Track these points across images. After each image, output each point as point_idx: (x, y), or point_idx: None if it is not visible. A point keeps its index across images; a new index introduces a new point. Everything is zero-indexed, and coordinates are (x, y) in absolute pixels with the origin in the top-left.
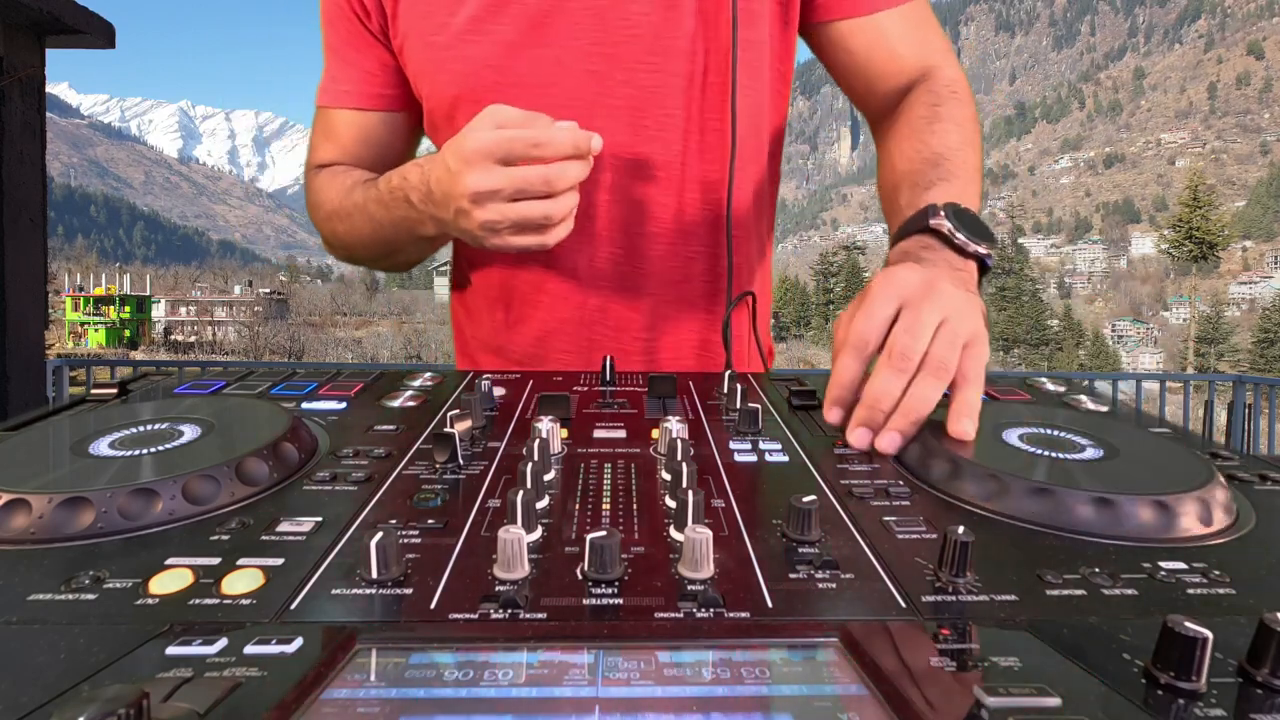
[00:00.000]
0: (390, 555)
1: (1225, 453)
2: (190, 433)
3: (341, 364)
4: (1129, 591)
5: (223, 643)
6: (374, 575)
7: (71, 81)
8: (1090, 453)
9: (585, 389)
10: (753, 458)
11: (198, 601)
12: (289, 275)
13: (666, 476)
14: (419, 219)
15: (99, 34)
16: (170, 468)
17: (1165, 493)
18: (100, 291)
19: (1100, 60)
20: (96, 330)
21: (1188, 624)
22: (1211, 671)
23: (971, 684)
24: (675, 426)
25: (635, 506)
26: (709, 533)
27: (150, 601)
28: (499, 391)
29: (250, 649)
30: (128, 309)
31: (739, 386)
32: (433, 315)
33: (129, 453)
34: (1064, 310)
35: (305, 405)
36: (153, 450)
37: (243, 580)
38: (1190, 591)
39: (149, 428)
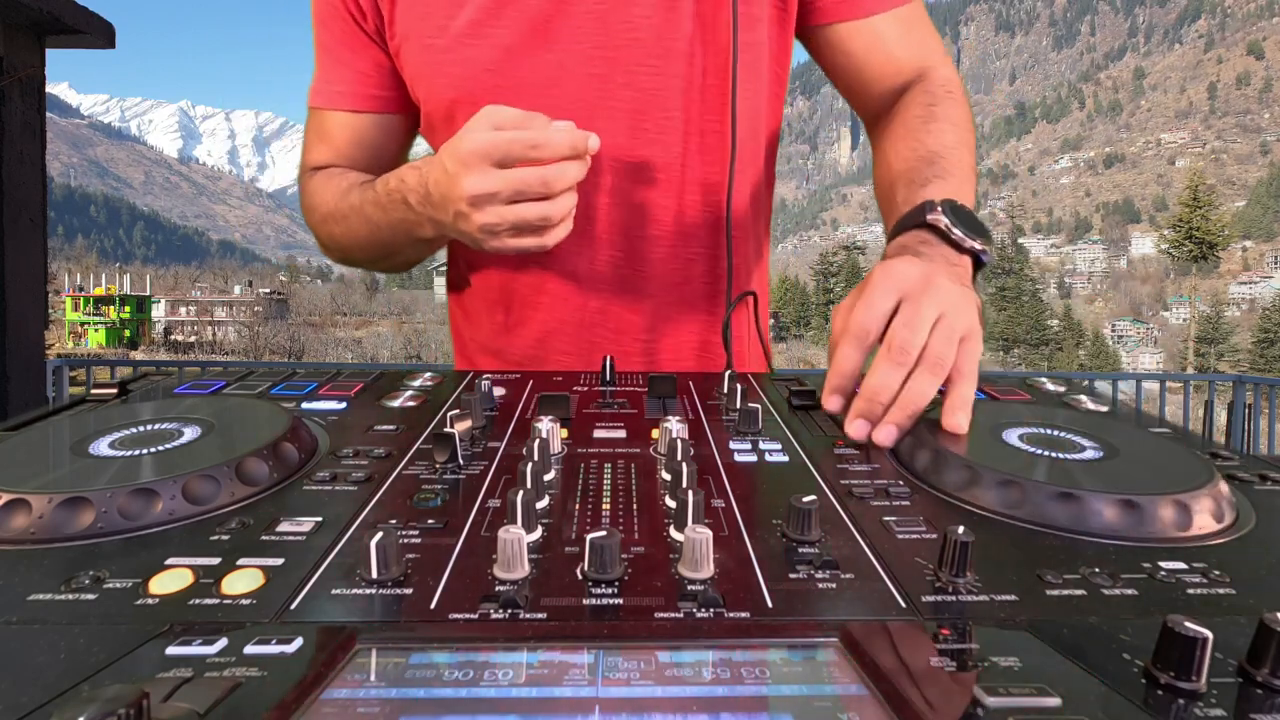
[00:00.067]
0: (390, 555)
1: (1225, 453)
2: (190, 433)
3: (341, 364)
4: (1129, 591)
5: (223, 643)
6: (374, 575)
7: (71, 81)
8: (1090, 453)
9: (585, 389)
10: (753, 458)
11: (198, 601)
12: (289, 275)
13: (666, 476)
14: (417, 221)
15: (99, 34)
16: (170, 468)
17: (1165, 493)
18: (100, 291)
19: (1100, 60)
20: (96, 330)
21: (1188, 624)
22: (1211, 671)
23: (971, 684)
24: (675, 426)
25: (635, 506)
26: (709, 533)
27: (150, 601)
28: (499, 391)
29: (250, 649)
30: (128, 309)
31: (739, 386)
32: (433, 315)
33: (129, 453)
34: (1064, 310)
35: (305, 405)
36: (153, 450)
37: (243, 580)
38: (1190, 591)
39: (149, 428)
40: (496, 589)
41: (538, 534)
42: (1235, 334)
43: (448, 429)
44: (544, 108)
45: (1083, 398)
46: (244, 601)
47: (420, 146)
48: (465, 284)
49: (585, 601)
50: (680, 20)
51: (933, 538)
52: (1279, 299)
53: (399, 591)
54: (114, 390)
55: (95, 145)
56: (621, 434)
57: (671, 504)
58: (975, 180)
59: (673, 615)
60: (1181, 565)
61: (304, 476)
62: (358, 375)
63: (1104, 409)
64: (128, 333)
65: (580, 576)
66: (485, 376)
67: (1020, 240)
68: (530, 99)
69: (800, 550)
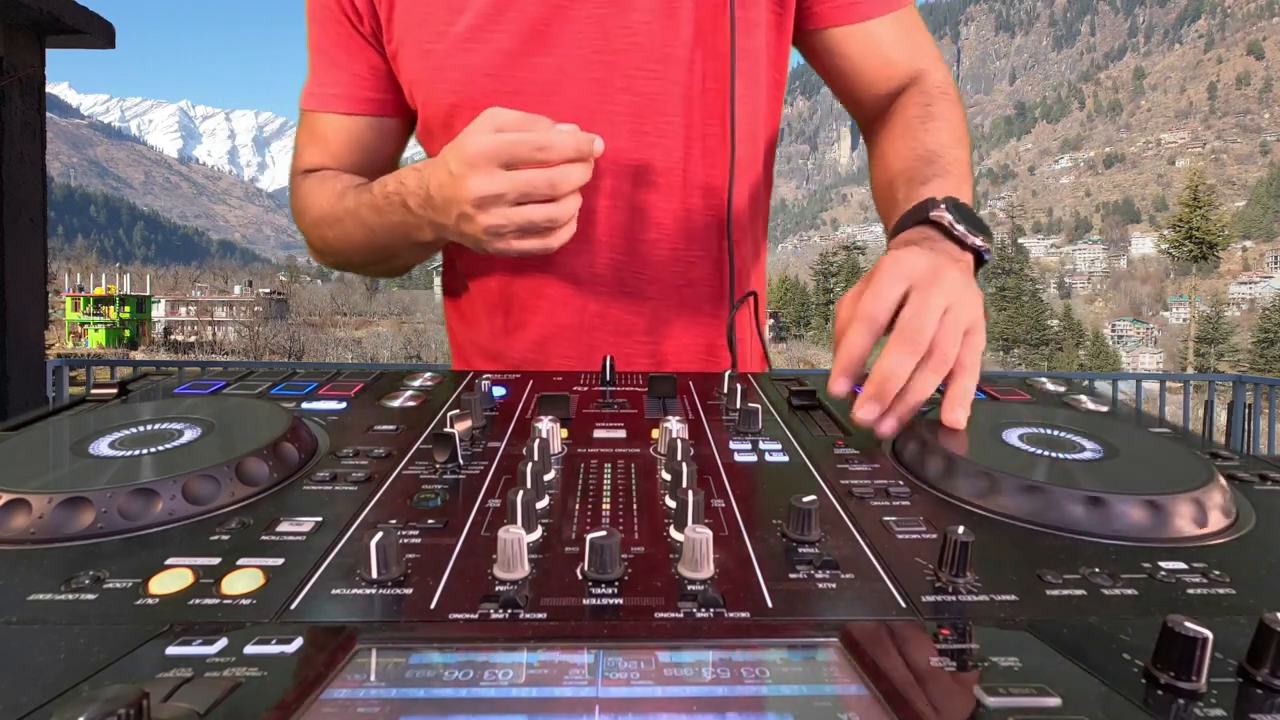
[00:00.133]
0: (390, 555)
1: (1225, 453)
2: (190, 433)
3: (341, 364)
4: (1129, 591)
5: (223, 643)
6: (374, 575)
7: (71, 81)
8: (1090, 453)
9: (585, 389)
10: (753, 458)
11: (198, 601)
12: (289, 275)
13: (666, 476)
14: (416, 224)
15: (99, 34)
16: (170, 468)
17: (1165, 493)
18: (100, 291)
19: (1100, 60)
20: (96, 330)
21: (1188, 624)
22: (1211, 671)
23: (971, 684)
24: (675, 426)
25: (635, 506)
26: (709, 533)
27: (150, 601)
28: (499, 391)
29: (250, 649)
30: (128, 309)
31: (739, 386)
32: (433, 315)
33: (129, 453)
34: (1064, 310)
35: (305, 405)
36: (153, 450)
37: (243, 580)
38: (1190, 591)
39: (149, 428)
40: (496, 589)
41: (538, 534)
42: (1235, 334)
43: (448, 429)
44: (544, 112)
45: (1083, 398)
46: (244, 601)
47: (411, 151)
48: (463, 288)
49: (585, 601)
50: (679, 26)
51: (933, 538)
52: (1279, 299)
53: (399, 591)
54: (114, 390)
55: (95, 145)
56: (621, 434)
57: (671, 504)
58: (972, 179)
59: (673, 615)
60: (1181, 565)
61: (304, 476)
62: (358, 375)
63: (1104, 409)
64: (128, 333)
65: (580, 576)
66: (485, 376)
67: (1020, 240)
68: (530, 103)
69: (800, 550)
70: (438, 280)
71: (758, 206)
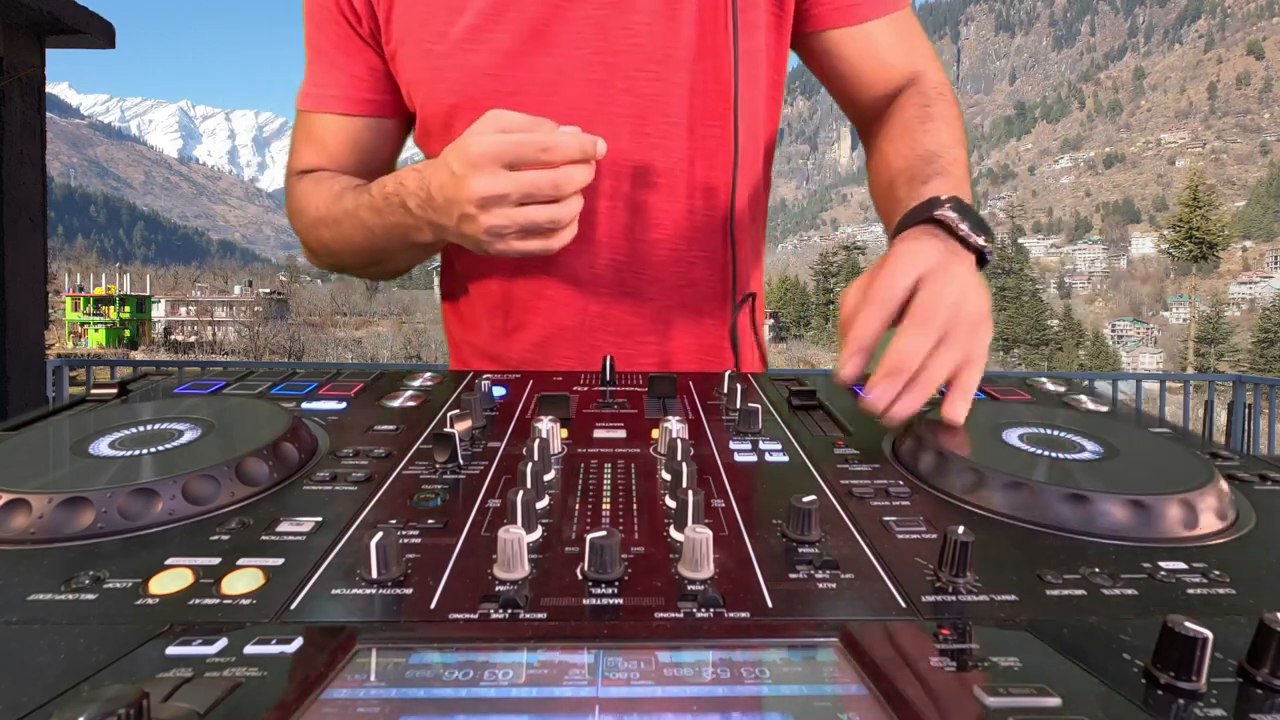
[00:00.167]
0: (390, 555)
1: (1225, 453)
2: (190, 433)
3: (341, 364)
4: (1129, 591)
5: (223, 643)
6: (374, 575)
7: (71, 81)
8: (1090, 453)
9: (585, 389)
10: (753, 458)
11: (198, 601)
12: (289, 275)
13: (666, 476)
14: (415, 225)
15: (99, 34)
16: (170, 468)
17: (1165, 493)
18: (100, 291)
19: (1100, 60)
20: (96, 330)
21: (1188, 624)
22: (1211, 671)
23: (971, 684)
24: (675, 426)
25: (635, 506)
26: (709, 533)
27: (150, 601)
28: (499, 391)
29: (250, 649)
30: (128, 309)
31: (739, 386)
32: (433, 315)
33: (129, 453)
34: (1064, 310)
35: (305, 405)
36: (153, 450)
37: (243, 580)
38: (1190, 591)
39: (149, 428)
40: (496, 589)
41: (538, 534)
42: (1235, 334)
43: (448, 429)
44: (544, 113)
45: (1083, 398)
46: (244, 601)
47: (408, 153)
48: (462, 290)
49: (585, 601)
50: (680, 27)
51: (933, 538)
52: (1279, 299)
53: (399, 591)
54: (114, 390)
55: (95, 145)
56: (621, 434)
57: (671, 504)
58: (969, 178)
59: (673, 615)
60: (1181, 565)
61: (304, 476)
62: (358, 375)
63: (1104, 409)
64: (128, 333)
65: (580, 576)
66: (485, 376)
67: (1020, 240)
68: (530, 104)
69: (800, 550)
70: (438, 280)
71: (758, 207)
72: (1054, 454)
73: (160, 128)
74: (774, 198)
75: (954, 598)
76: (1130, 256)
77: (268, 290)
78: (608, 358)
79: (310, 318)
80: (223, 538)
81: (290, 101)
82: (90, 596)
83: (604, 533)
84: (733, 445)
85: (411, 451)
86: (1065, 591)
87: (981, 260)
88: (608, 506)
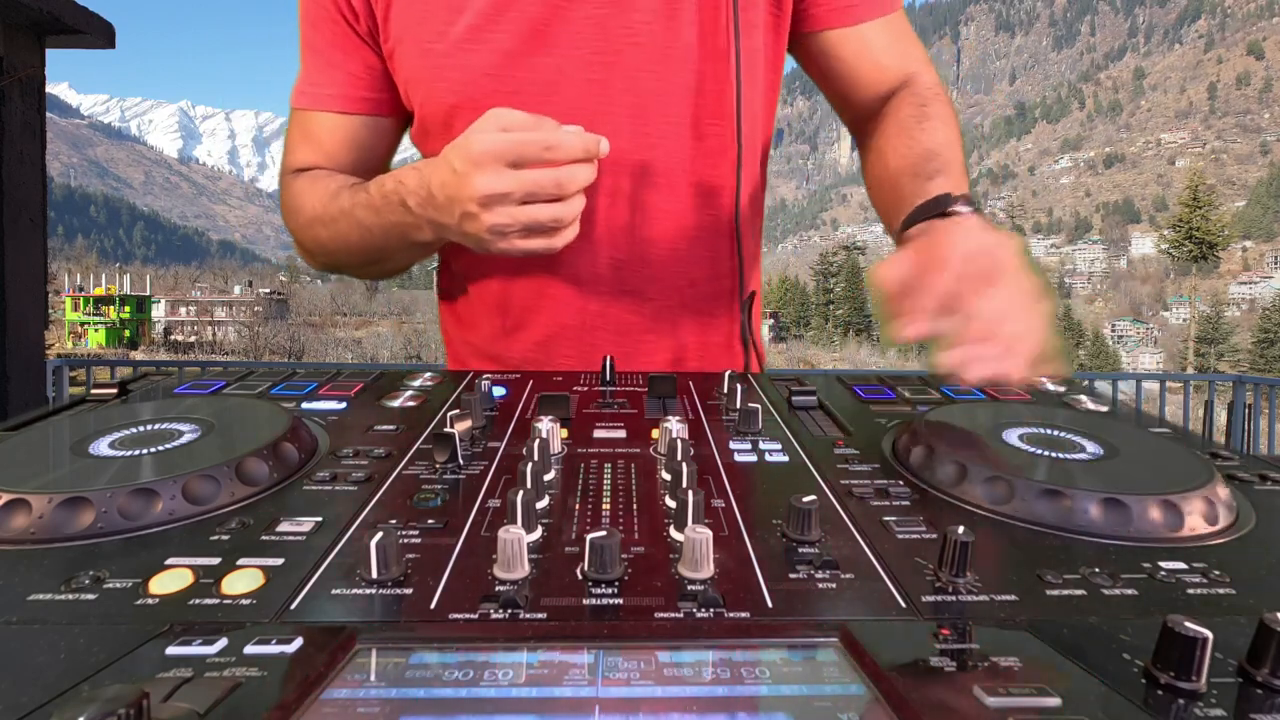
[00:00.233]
0: (390, 555)
1: (1225, 453)
2: (190, 433)
3: (341, 364)
4: (1129, 591)
5: (223, 643)
6: (374, 575)
7: (71, 81)
8: (1090, 453)
9: (585, 389)
10: (753, 458)
11: (198, 601)
12: (289, 275)
13: (666, 476)
14: (415, 224)
15: (99, 34)
16: (170, 468)
17: (1165, 493)
18: (100, 291)
19: (1100, 60)
20: (96, 330)
21: (1188, 624)
22: (1211, 671)
23: (971, 684)
24: (675, 426)
25: (635, 506)
26: (709, 533)
27: (150, 601)
28: (499, 391)
29: (250, 649)
30: (128, 309)
31: (739, 386)
32: (433, 315)
33: (129, 453)
34: (1064, 310)
35: (305, 405)
36: (153, 450)
37: (243, 580)
38: (1190, 591)
39: (149, 428)
40: (496, 589)
41: (538, 534)
42: (1235, 334)
43: (448, 429)
44: (544, 112)
45: (1083, 398)
46: (244, 601)
47: (405, 153)
48: (460, 290)
49: (585, 601)
50: (680, 27)
51: (933, 538)
52: (1279, 299)
53: (399, 591)
54: (114, 390)
55: (95, 145)
56: (621, 434)
57: (671, 504)
58: (968, 178)
59: (673, 615)
60: (1181, 565)
61: (304, 476)
62: (358, 375)
63: (1104, 409)
64: (128, 333)
65: (580, 576)
66: (485, 376)
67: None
68: (530, 104)
69: (800, 550)
70: (436, 280)
71: (756, 207)
72: (1054, 454)
73: (160, 128)
74: (774, 198)
75: (954, 598)
76: (1130, 256)
77: (268, 290)
78: (608, 358)
79: (310, 318)
80: (223, 538)
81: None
82: (90, 596)
83: (604, 533)
84: (733, 445)
85: (411, 451)
86: (1065, 591)
87: None
88: (608, 506)
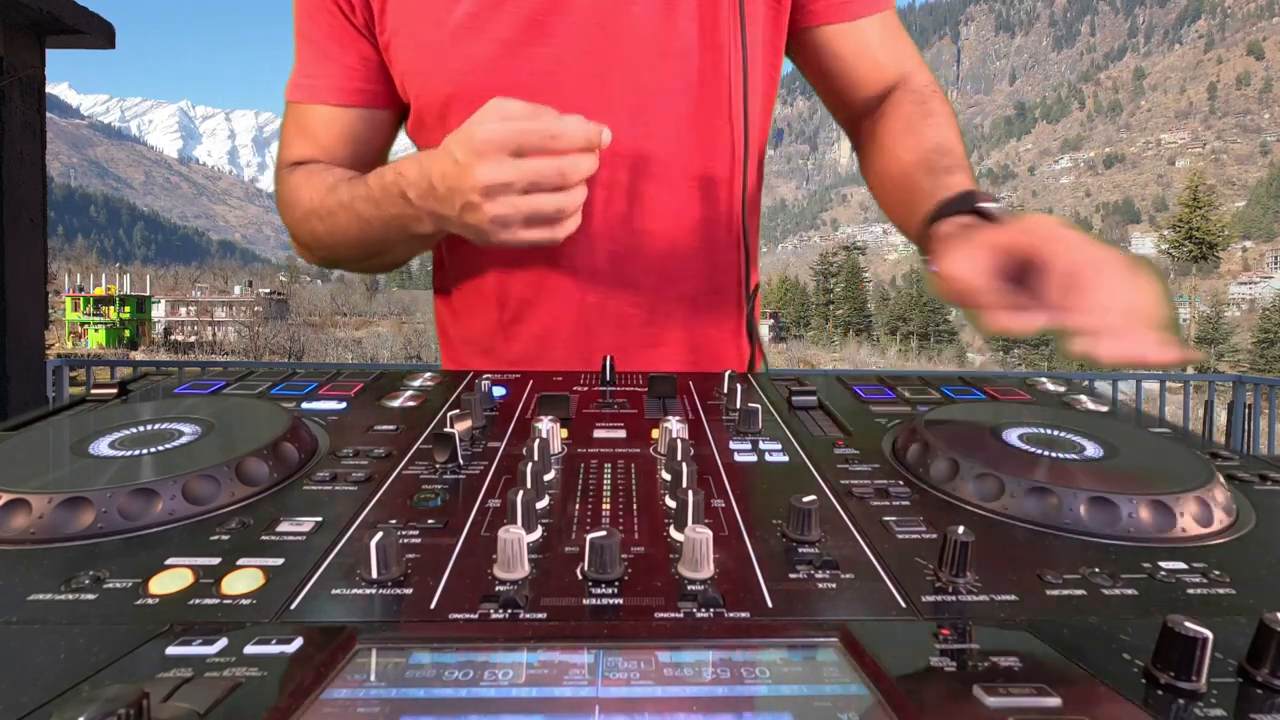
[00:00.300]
0: (390, 555)
1: (1225, 453)
2: (190, 433)
3: (341, 364)
4: (1129, 591)
5: (223, 643)
6: (374, 575)
7: (71, 81)
8: (1090, 453)
9: (585, 389)
10: (753, 458)
11: (198, 601)
12: (289, 275)
13: (666, 476)
14: (414, 216)
15: (99, 34)
16: (170, 468)
17: (1165, 493)
18: (100, 292)
19: (1100, 60)
20: (96, 330)
21: (1188, 624)
22: (1211, 671)
23: (971, 684)
24: (675, 426)
25: (635, 506)
26: (709, 533)
27: (150, 601)
28: (499, 391)
29: (250, 649)
30: (128, 309)
31: (739, 386)
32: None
33: (129, 453)
34: None
35: (305, 405)
36: (153, 450)
37: (243, 580)
38: (1190, 591)
39: (149, 428)
40: (496, 589)
41: (538, 534)
42: (1235, 334)
43: (448, 429)
44: (542, 104)
45: (1083, 398)
46: (244, 601)
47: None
48: (456, 284)
49: (585, 601)
50: (679, 20)
51: (933, 538)
52: (1279, 299)
53: (399, 591)
54: (114, 390)
55: (95, 145)
56: (621, 434)
57: (671, 504)
58: (972, 175)
59: (673, 615)
60: (1181, 565)
61: (304, 476)
62: (358, 375)
63: (1104, 409)
64: (128, 333)
65: (580, 576)
66: (485, 376)
67: None
68: (528, 95)
69: (800, 550)
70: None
71: (754, 202)
72: (1054, 454)
73: (160, 128)
74: (774, 198)
75: (954, 598)
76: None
77: (268, 290)
78: (608, 358)
79: (310, 318)
80: (223, 538)
81: None
82: (90, 596)
83: (604, 533)
84: (733, 445)
85: (411, 451)
86: (1065, 591)
87: None
88: (608, 506)
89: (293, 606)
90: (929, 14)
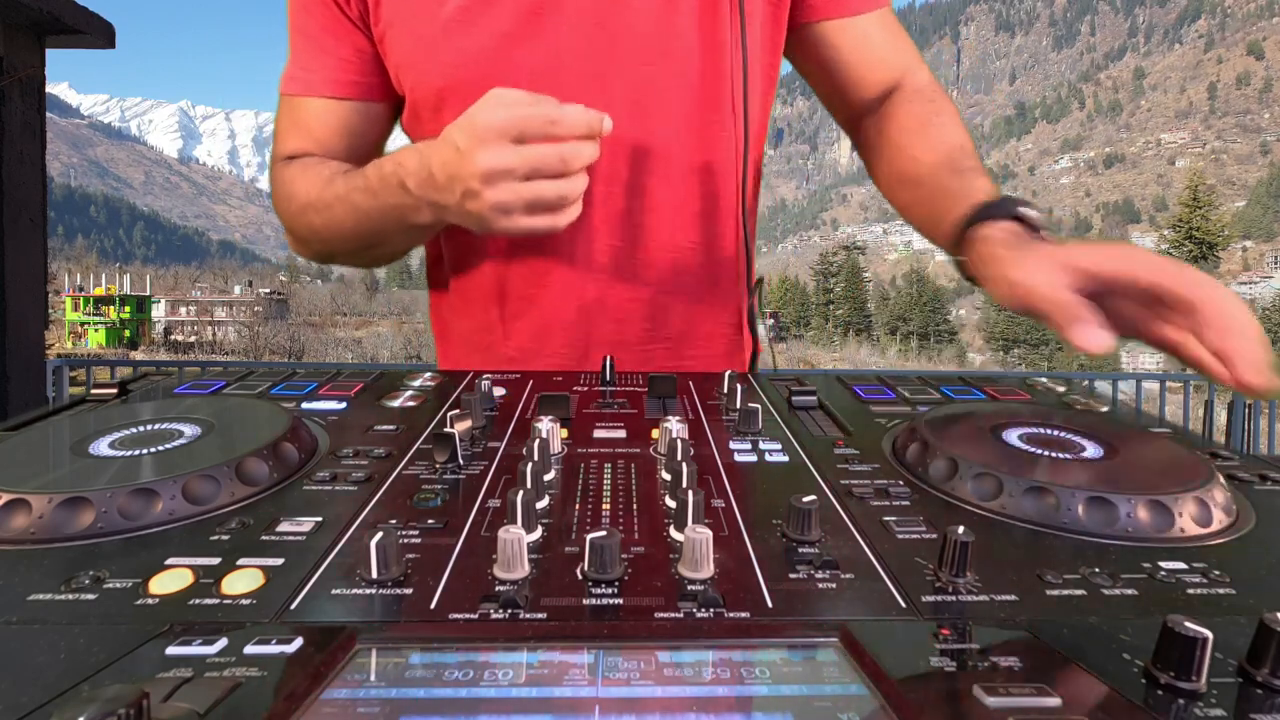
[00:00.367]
0: (390, 555)
1: (1225, 453)
2: (190, 433)
3: (341, 364)
4: (1129, 591)
5: (223, 643)
6: (374, 575)
7: (71, 81)
8: (1090, 453)
9: (585, 389)
10: (753, 458)
11: (198, 601)
12: (289, 275)
13: (666, 476)
14: (414, 206)
15: (99, 34)
16: (170, 468)
17: (1165, 492)
18: (100, 291)
19: (1100, 60)
20: (96, 330)
21: (1188, 624)
22: (1211, 671)
23: (971, 684)
24: (675, 426)
25: (635, 506)
26: (709, 533)
27: (150, 601)
28: (499, 391)
29: (250, 649)
30: (128, 309)
31: (739, 386)
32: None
33: (129, 453)
34: None
35: (305, 405)
36: (153, 450)
37: (243, 580)
38: (1190, 591)
39: (149, 428)
40: (496, 589)
41: (538, 534)
42: None
43: (448, 429)
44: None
45: (1083, 397)
46: (244, 601)
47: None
48: (454, 278)
49: (585, 601)
50: (678, 13)
51: (933, 538)
52: (1279, 299)
53: (399, 591)
54: (114, 390)
55: (95, 145)
56: (621, 434)
57: (671, 504)
58: None
59: (673, 615)
60: (1181, 565)
61: (304, 476)
62: (358, 375)
63: (1104, 409)
64: (128, 333)
65: (580, 576)
66: (485, 376)
67: None
68: (524, 88)
69: (800, 550)
70: None
71: (753, 198)
72: (1054, 454)
73: (160, 128)
74: (774, 198)
75: (954, 598)
76: None
77: (268, 290)
78: (608, 358)
79: (310, 318)
80: (223, 538)
81: None
82: (90, 596)
83: (604, 533)
84: (733, 445)
85: (411, 451)
86: (1065, 591)
87: None
88: (608, 506)
89: (293, 606)
90: (929, 14)
